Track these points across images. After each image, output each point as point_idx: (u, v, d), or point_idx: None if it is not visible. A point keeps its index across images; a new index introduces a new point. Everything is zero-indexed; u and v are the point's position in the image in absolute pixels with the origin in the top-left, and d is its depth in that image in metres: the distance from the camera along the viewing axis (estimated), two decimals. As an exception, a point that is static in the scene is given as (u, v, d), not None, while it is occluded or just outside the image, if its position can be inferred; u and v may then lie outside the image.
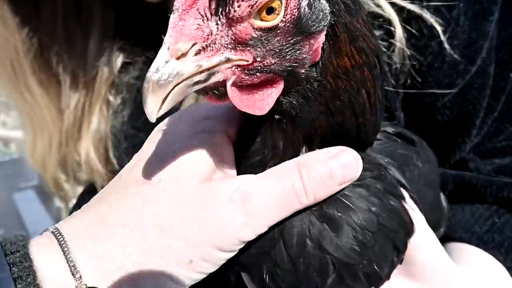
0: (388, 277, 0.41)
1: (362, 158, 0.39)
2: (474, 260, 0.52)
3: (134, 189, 0.37)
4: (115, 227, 0.35)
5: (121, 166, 0.77)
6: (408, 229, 0.40)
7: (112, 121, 0.75)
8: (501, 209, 0.58)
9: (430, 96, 0.63)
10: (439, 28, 0.58)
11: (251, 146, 0.38)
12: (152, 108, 0.30)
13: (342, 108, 0.36)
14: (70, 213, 0.88)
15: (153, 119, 0.31)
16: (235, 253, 0.36)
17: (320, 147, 0.39)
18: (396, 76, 0.63)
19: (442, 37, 0.58)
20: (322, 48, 0.34)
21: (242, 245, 0.36)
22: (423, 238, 0.41)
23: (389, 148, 0.45)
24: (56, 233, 0.36)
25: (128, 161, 0.76)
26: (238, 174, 0.39)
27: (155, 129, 0.42)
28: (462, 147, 0.66)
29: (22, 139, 0.93)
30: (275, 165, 0.38)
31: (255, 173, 0.38)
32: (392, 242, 0.39)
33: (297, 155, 0.38)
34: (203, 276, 0.36)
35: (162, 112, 0.31)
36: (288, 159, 0.38)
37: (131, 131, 0.74)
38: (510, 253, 0.53)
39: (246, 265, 0.39)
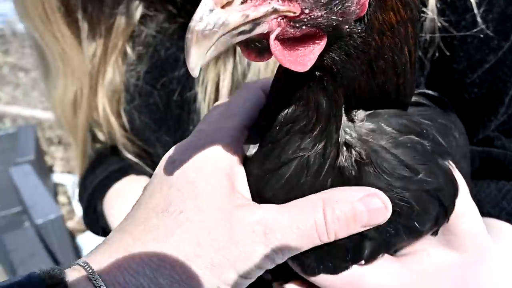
0: (427, 233, 0.40)
1: (403, 116, 0.37)
2: (506, 235, 0.52)
3: (155, 220, 0.37)
4: (142, 259, 0.35)
5: (131, 122, 0.76)
6: (455, 188, 0.39)
7: (127, 75, 0.72)
8: None
9: (459, 72, 0.61)
10: (473, 1, 0.56)
11: (289, 113, 0.36)
12: (196, 60, 0.28)
13: (385, 68, 0.35)
14: (79, 185, 0.87)
15: (195, 73, 0.28)
16: (254, 279, 0.38)
17: (356, 108, 0.38)
18: (425, 49, 0.60)
19: (476, 10, 0.56)
20: (369, 2, 0.32)
21: (261, 272, 0.37)
22: (465, 207, 0.40)
23: (429, 115, 0.43)
24: (86, 267, 0.36)
25: (139, 118, 0.74)
26: (276, 148, 0.37)
27: (164, 158, 0.42)
28: (487, 126, 0.64)
29: (17, 113, 0.89)
30: (321, 132, 0.36)
31: (301, 144, 0.36)
32: (438, 199, 0.38)
33: (339, 118, 0.36)
34: None
35: (204, 64, 0.29)
36: (334, 125, 0.36)
37: (146, 87, 0.71)
38: None
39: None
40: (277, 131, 0.36)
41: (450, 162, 0.40)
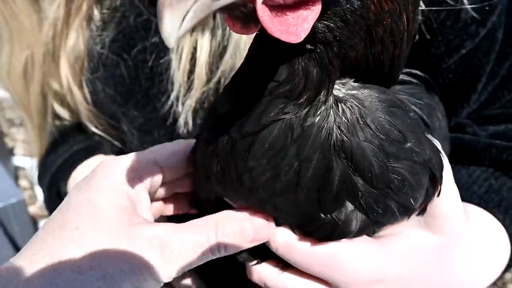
0: (417, 211, 0.39)
1: (390, 93, 0.36)
2: (476, 218, 0.53)
3: (51, 237, 0.38)
4: (36, 276, 0.36)
5: (94, 94, 0.71)
6: (442, 161, 0.38)
7: (90, 42, 0.66)
8: (497, 172, 0.59)
9: (436, 57, 0.61)
10: None
11: (271, 73, 0.33)
12: (170, 27, 0.24)
13: (383, 35, 0.33)
14: (39, 166, 0.80)
15: (171, 43, 0.24)
16: None
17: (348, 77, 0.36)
18: None
19: None
20: None
21: (157, 286, 0.38)
22: (447, 189, 0.40)
23: (416, 94, 0.42)
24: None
25: (103, 91, 0.69)
26: (256, 109, 0.34)
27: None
28: (460, 112, 0.65)
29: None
30: (308, 101, 0.33)
31: (285, 108, 0.33)
32: (429, 170, 0.37)
33: (331, 89, 0.34)
34: None
35: (181, 33, 0.25)
36: (324, 97, 0.34)
37: (112, 57, 0.65)
38: (507, 213, 0.54)
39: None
40: (257, 90, 0.33)
41: (435, 140, 0.39)
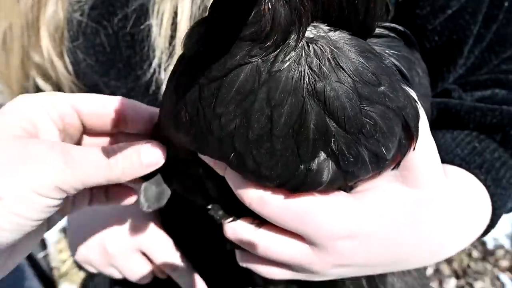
0: (388, 167, 0.38)
1: (360, 40, 0.35)
2: (457, 178, 0.52)
3: None
4: None
5: (75, 64, 0.70)
6: (418, 113, 0.37)
7: (69, 9, 0.65)
8: (481, 135, 0.58)
9: (422, 18, 0.60)
10: None
11: (236, 16, 0.31)
12: None
13: None
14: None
15: None
16: (53, 201, 0.37)
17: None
18: None
19: None
20: None
21: (60, 195, 0.37)
22: (424, 142, 0.39)
23: (394, 46, 0.41)
24: None
25: (84, 60, 0.68)
26: (222, 53, 0.33)
27: None
28: (446, 78, 0.64)
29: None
30: (275, 45, 0.31)
31: (251, 51, 0.32)
32: (402, 118, 0.36)
33: (302, 34, 0.32)
34: (21, 220, 0.36)
35: None
36: (293, 41, 0.32)
37: (91, 25, 0.64)
38: (489, 173, 0.53)
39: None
40: (224, 32, 0.32)
41: (412, 91, 0.38)
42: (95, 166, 0.38)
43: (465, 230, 0.50)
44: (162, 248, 0.65)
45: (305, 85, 0.33)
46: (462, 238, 0.50)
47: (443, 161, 0.55)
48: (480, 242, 2.06)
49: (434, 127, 0.61)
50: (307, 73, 0.33)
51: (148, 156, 0.41)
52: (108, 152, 0.39)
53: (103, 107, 0.44)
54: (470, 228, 0.51)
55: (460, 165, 0.54)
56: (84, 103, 0.43)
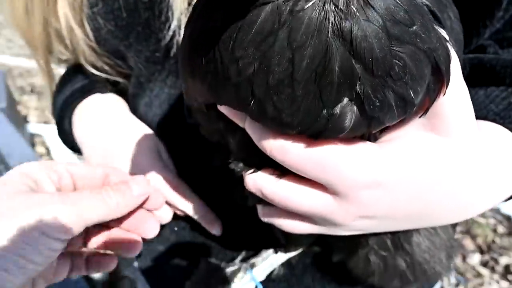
0: (418, 111, 0.36)
1: None
2: (490, 131, 0.49)
3: None
4: None
5: (96, 31, 0.69)
6: (450, 56, 0.34)
7: None
8: None
9: None
10: None
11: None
12: None
13: None
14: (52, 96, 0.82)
15: None
16: (56, 244, 0.40)
17: None
18: None
19: None
20: None
21: (64, 236, 0.40)
22: (455, 88, 0.36)
23: None
24: None
25: (105, 26, 0.67)
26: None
27: None
28: (481, 33, 0.59)
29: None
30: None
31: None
32: (433, 60, 0.32)
33: None
34: (27, 263, 0.38)
35: None
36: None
37: None
38: None
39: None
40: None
41: (444, 32, 0.35)
42: (92, 202, 0.42)
43: (496, 185, 0.47)
44: (186, 201, 0.65)
45: (330, 25, 0.30)
46: (493, 194, 0.47)
47: (476, 117, 0.52)
48: (505, 217, 1.99)
49: (468, 85, 0.57)
50: (333, 12, 0.30)
51: (137, 188, 0.46)
52: (102, 189, 0.44)
53: (94, 171, 0.50)
54: (503, 184, 0.48)
55: (494, 120, 0.50)
56: (77, 169, 0.49)
